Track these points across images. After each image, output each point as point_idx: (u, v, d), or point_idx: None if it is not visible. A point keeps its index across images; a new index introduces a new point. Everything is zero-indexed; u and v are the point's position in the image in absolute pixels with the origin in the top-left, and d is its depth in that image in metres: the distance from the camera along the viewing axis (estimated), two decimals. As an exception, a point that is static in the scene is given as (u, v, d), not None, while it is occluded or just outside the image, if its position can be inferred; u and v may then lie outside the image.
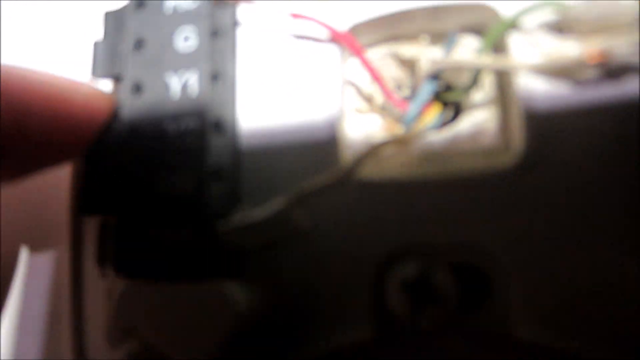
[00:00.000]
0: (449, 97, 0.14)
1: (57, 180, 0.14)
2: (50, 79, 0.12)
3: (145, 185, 0.12)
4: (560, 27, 0.12)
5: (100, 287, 0.14)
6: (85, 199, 0.13)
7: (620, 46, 0.11)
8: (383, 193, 0.12)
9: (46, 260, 0.15)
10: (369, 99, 0.16)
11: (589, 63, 0.11)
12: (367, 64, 0.13)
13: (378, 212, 0.12)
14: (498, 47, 0.13)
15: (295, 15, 0.13)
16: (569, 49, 0.12)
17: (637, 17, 0.11)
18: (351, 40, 0.13)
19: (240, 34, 0.14)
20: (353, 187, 0.13)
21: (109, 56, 0.14)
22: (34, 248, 0.15)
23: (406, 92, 0.16)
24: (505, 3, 0.13)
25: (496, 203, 0.12)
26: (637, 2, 0.11)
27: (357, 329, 0.12)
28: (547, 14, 0.12)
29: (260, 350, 0.12)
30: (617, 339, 0.11)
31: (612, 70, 0.11)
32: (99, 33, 0.14)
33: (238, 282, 0.12)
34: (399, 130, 0.16)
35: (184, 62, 0.13)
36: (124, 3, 0.14)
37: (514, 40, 0.12)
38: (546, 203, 0.11)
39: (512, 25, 0.12)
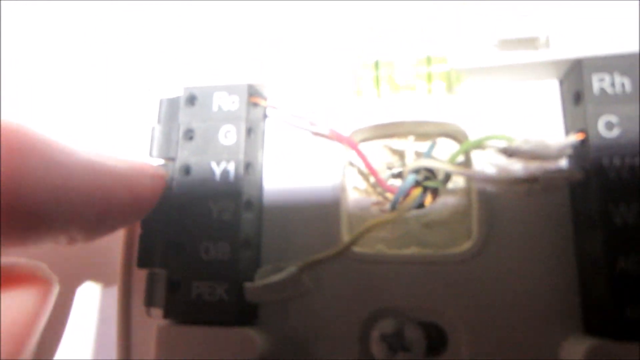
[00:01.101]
0: (428, 184, 0.18)
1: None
2: (127, 164, 0.15)
3: (192, 251, 0.16)
4: (507, 152, 0.16)
5: (146, 325, 0.17)
6: (141, 255, 0.16)
7: (545, 174, 0.15)
8: (370, 266, 0.16)
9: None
10: (366, 179, 0.20)
11: (523, 180, 0.15)
12: (364, 160, 0.17)
13: (366, 280, 0.16)
14: (465, 156, 0.18)
15: (311, 123, 0.17)
16: (515, 168, 0.16)
17: (560, 152, 0.15)
18: (352, 143, 0.17)
19: (268, 128, 0.18)
20: (348, 258, 0.16)
21: (165, 141, 0.17)
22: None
23: (396, 170, 0.21)
24: (471, 126, 0.17)
25: (454, 277, 0.16)
26: (563, 141, 0.15)
27: (347, 367, 0.16)
28: (499, 142, 0.16)
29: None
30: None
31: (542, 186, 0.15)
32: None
33: (258, 329, 0.16)
34: (387, 205, 0.20)
35: (225, 153, 0.17)
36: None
37: (476, 156, 0.17)
38: (491, 279, 0.15)
39: (476, 146, 0.16)
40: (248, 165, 0.17)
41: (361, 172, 0.20)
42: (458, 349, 0.16)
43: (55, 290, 0.17)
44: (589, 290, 0.14)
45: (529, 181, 0.15)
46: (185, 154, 0.17)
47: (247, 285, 0.16)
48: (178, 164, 0.17)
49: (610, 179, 0.14)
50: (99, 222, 0.15)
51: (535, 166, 0.16)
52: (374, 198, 0.20)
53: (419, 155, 0.19)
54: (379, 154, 0.20)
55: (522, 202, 0.16)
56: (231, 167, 0.16)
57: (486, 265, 0.16)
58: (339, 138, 0.17)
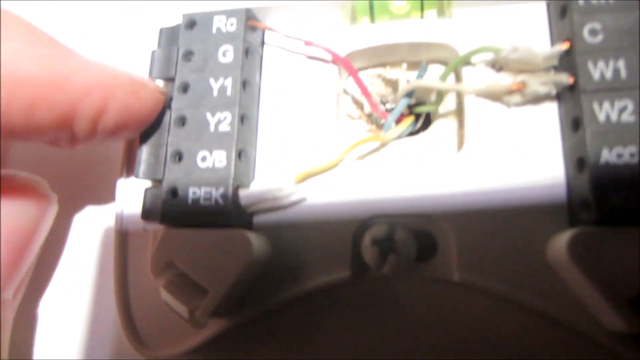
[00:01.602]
0: (420, 109, 0.19)
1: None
2: (131, 76, 0.16)
3: (190, 160, 0.16)
4: (497, 65, 0.17)
5: (142, 239, 0.18)
6: (139, 165, 0.17)
7: (534, 80, 0.15)
8: (362, 176, 0.17)
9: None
10: (360, 108, 0.20)
11: (512, 89, 0.16)
12: (359, 82, 0.18)
13: (358, 189, 0.17)
14: (457, 74, 0.18)
15: (307, 43, 0.18)
16: (503, 80, 0.16)
17: (548, 60, 0.15)
18: (348, 63, 0.18)
19: (266, 52, 0.19)
20: (342, 172, 0.17)
21: (164, 63, 0.18)
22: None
23: (389, 105, 0.21)
24: (460, 44, 0.17)
25: (443, 182, 0.16)
26: (550, 49, 0.15)
27: (338, 272, 0.16)
28: (487, 55, 0.16)
29: (266, 284, 0.16)
30: (525, 281, 0.15)
31: (530, 97, 0.16)
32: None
33: (253, 232, 0.16)
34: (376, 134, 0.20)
35: (223, 70, 0.17)
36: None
37: (466, 72, 0.17)
38: (480, 183, 0.16)
39: (465, 61, 0.17)
40: (245, 82, 0.17)
41: (355, 101, 0.20)
42: (448, 254, 0.16)
43: (54, 207, 0.18)
44: (576, 186, 0.15)
45: (518, 90, 0.16)
46: (184, 73, 0.17)
47: (242, 191, 0.16)
48: (177, 82, 0.17)
49: (595, 81, 0.15)
50: (99, 122, 0.15)
51: (523, 77, 0.16)
52: (368, 126, 0.20)
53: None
54: (372, 86, 0.20)
55: (511, 113, 0.16)
56: (228, 83, 0.17)
57: (474, 169, 0.16)
58: (335, 57, 0.18)
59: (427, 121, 0.20)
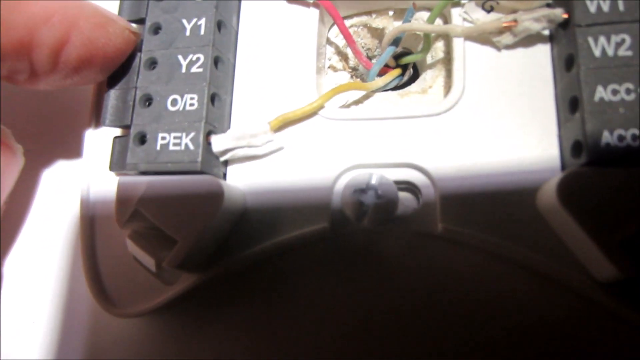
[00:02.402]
0: (406, 59, 0.18)
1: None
2: (99, 9, 0.15)
3: (159, 103, 0.15)
4: (487, 4, 0.16)
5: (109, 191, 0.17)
6: (106, 112, 0.16)
7: (526, 16, 0.14)
8: (343, 124, 0.16)
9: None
10: (344, 59, 0.19)
11: (503, 26, 0.14)
12: (342, 28, 0.17)
13: (338, 138, 0.16)
14: (446, 20, 0.17)
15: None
16: (493, 20, 0.15)
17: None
18: (331, 7, 0.17)
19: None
20: (322, 120, 0.16)
21: (134, 3, 0.17)
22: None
23: (375, 60, 0.20)
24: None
25: (430, 131, 0.15)
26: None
27: (316, 224, 0.15)
28: (478, -7, 0.15)
29: (239, 238, 0.15)
30: (513, 232, 0.14)
31: (521, 36, 0.15)
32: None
33: (226, 180, 0.15)
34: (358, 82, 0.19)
35: (196, 10, 0.16)
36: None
37: (455, 14, 0.16)
38: (468, 131, 0.15)
39: (453, 1, 0.16)
40: (220, 23, 0.16)
41: (339, 51, 0.19)
42: (431, 206, 0.15)
43: (20, 160, 0.16)
44: (568, 129, 0.14)
45: (509, 28, 0.15)
46: (156, 13, 0.16)
47: (215, 136, 0.15)
48: (148, 23, 0.16)
49: (591, 14, 0.14)
50: (60, 53, 0.14)
51: (514, 15, 0.15)
52: (351, 78, 0.19)
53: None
54: (357, 38, 0.19)
55: (502, 56, 0.15)
56: (202, 23, 0.16)
57: (461, 118, 0.15)
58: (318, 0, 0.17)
59: (415, 75, 0.19)
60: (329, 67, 0.19)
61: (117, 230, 0.16)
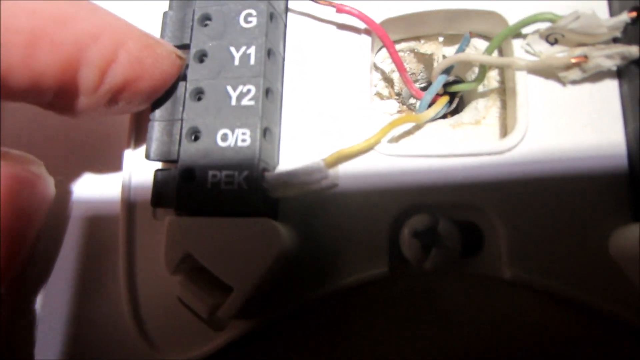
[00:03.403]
0: (457, 88, 0.17)
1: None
2: (145, 31, 0.14)
3: (209, 138, 0.14)
4: (552, 37, 0.15)
5: (152, 228, 0.16)
6: (150, 146, 0.15)
7: (597, 52, 0.14)
8: (400, 160, 0.15)
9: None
10: (390, 85, 0.18)
11: (572, 62, 0.14)
12: (395, 55, 0.16)
13: (396, 175, 0.15)
14: (502, 49, 0.16)
15: (339, 9, 0.16)
16: (559, 54, 0.15)
17: (612, 29, 0.14)
18: (384, 33, 0.16)
19: (291, 19, 0.17)
20: (378, 156, 0.15)
21: (178, 27, 0.16)
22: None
23: (418, 84, 0.19)
24: (510, 12, 0.15)
25: (491, 170, 0.14)
26: (614, 18, 0.14)
27: (375, 268, 0.14)
28: (542, 25, 0.15)
29: (292, 281, 0.15)
30: (584, 278, 0.13)
31: (590, 73, 0.14)
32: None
33: (281, 222, 0.14)
34: (411, 114, 0.18)
35: (245, 37, 0.15)
36: None
37: (515, 45, 0.15)
38: (532, 172, 0.14)
39: (516, 31, 0.15)
40: (269, 51, 0.15)
41: (385, 78, 0.18)
42: (495, 248, 0.14)
43: (51, 191, 0.16)
44: (642, 175, 0.13)
45: (579, 64, 0.14)
46: (201, 39, 0.15)
47: (268, 174, 0.14)
48: (193, 49, 0.15)
49: (668, 55, 0.13)
50: (107, 73, 0.13)
51: (582, 50, 0.14)
52: (398, 106, 0.18)
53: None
54: (404, 63, 0.18)
55: (567, 91, 0.15)
56: (251, 51, 0.15)
57: (526, 157, 0.14)
58: (370, 26, 0.16)
59: (461, 102, 0.19)
60: (375, 94, 0.18)
61: (160, 269, 0.15)
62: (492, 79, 0.17)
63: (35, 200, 0.15)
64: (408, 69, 0.18)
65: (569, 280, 0.13)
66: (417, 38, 0.18)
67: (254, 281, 0.13)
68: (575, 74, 0.14)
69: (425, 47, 0.18)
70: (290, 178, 0.14)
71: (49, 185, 0.16)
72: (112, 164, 0.17)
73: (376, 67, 0.18)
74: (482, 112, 0.17)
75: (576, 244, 0.14)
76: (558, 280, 0.13)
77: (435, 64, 0.18)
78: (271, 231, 0.14)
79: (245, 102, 0.15)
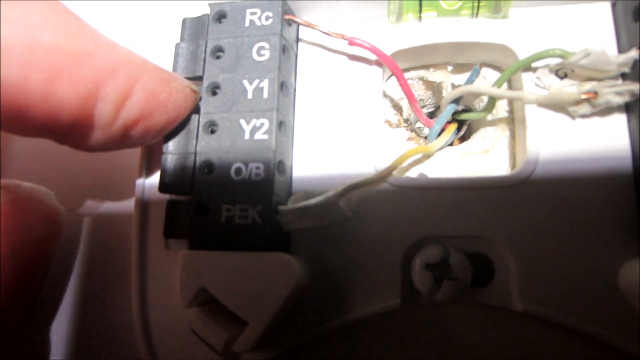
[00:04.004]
0: (466, 116, 0.17)
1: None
2: (160, 67, 0.14)
3: (222, 172, 0.14)
4: (561, 71, 0.15)
5: (164, 258, 0.16)
6: (164, 178, 0.15)
7: (606, 89, 0.14)
8: (411, 192, 0.15)
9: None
10: (399, 113, 0.18)
11: (582, 98, 0.14)
12: (406, 87, 0.16)
13: (407, 207, 0.15)
14: (510, 81, 0.17)
15: (351, 42, 0.16)
16: (568, 88, 0.15)
17: (622, 66, 0.14)
18: (394, 64, 0.16)
19: (301, 49, 0.17)
20: (388, 184, 0.15)
21: (190, 59, 0.16)
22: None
23: (426, 110, 0.20)
24: (519, 45, 0.16)
25: (502, 203, 0.15)
26: (623, 55, 0.14)
27: (387, 299, 0.15)
28: (553, 60, 0.15)
29: (304, 313, 0.15)
30: (595, 312, 0.14)
31: (600, 108, 0.14)
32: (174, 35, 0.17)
33: (293, 254, 0.14)
34: (420, 142, 0.19)
35: (258, 70, 0.15)
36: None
37: (524, 78, 0.16)
38: (542, 204, 0.14)
39: (526, 65, 0.15)
40: (282, 84, 0.15)
41: (395, 105, 0.18)
42: (506, 280, 0.15)
43: (62, 222, 0.16)
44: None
45: (588, 99, 0.14)
46: (214, 72, 0.16)
47: (282, 208, 0.14)
48: (205, 82, 0.16)
49: (676, 93, 0.13)
50: (123, 107, 0.13)
51: (590, 85, 0.15)
52: (408, 133, 0.19)
53: (456, 87, 0.18)
54: (412, 90, 0.19)
55: (576, 125, 0.15)
56: (264, 85, 0.15)
57: (537, 189, 0.15)
58: (381, 57, 0.16)
59: (470, 130, 0.19)
60: (384, 122, 0.18)
61: (172, 300, 0.15)
62: (501, 108, 0.17)
63: (46, 231, 0.15)
64: (416, 96, 0.19)
65: (579, 313, 0.14)
66: (426, 67, 0.18)
67: (269, 316, 0.13)
68: (584, 108, 0.15)
69: (434, 76, 0.18)
70: (304, 212, 0.15)
71: (60, 216, 0.16)
72: (124, 193, 0.17)
73: (385, 95, 0.18)
74: (491, 141, 0.17)
75: (587, 276, 0.14)
76: (568, 313, 0.14)
77: (444, 92, 0.18)
78: (286, 266, 0.14)
79: (258, 135, 0.15)
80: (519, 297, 0.14)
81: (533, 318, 0.14)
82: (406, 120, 0.19)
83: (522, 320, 0.14)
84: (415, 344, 0.15)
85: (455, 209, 0.15)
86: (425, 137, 0.19)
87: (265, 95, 0.15)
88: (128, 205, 0.17)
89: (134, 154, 0.16)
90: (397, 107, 0.18)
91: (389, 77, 0.18)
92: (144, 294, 0.16)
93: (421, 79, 0.18)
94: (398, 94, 0.18)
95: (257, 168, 0.14)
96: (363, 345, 0.15)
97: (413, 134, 0.19)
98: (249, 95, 0.15)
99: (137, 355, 0.15)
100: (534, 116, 0.15)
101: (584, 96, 0.14)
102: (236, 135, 0.15)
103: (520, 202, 0.15)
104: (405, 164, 0.17)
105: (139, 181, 0.16)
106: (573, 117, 0.15)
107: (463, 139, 0.18)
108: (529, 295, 0.14)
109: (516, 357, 0.14)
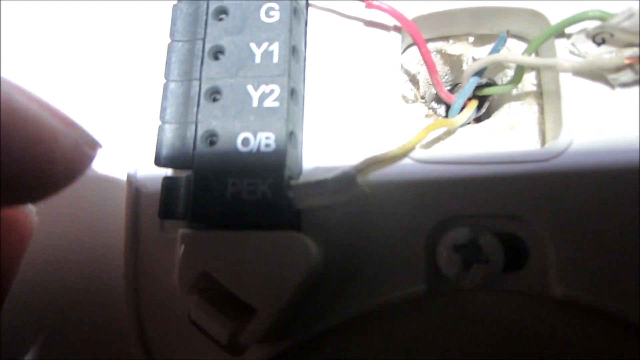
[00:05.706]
0: (490, 91, 0.16)
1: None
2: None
3: (227, 143, 0.13)
4: (599, 36, 0.14)
5: (159, 242, 0.14)
6: (160, 151, 0.13)
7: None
8: (437, 167, 0.14)
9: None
10: (417, 87, 0.17)
11: (624, 63, 0.13)
12: (427, 55, 0.15)
13: (432, 184, 0.14)
14: (538, 50, 0.15)
15: (369, 5, 0.14)
16: (607, 54, 0.14)
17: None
18: (416, 31, 0.15)
19: (312, 15, 0.15)
20: (410, 162, 0.14)
21: (190, 21, 0.14)
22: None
23: (445, 86, 0.18)
24: (551, 10, 0.14)
25: (535, 179, 0.13)
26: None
27: (410, 285, 0.13)
28: (589, 24, 0.14)
29: (318, 301, 0.13)
30: (629, 293, 0.12)
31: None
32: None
33: (308, 235, 0.13)
34: (444, 119, 0.17)
35: (266, 32, 0.14)
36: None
37: (558, 45, 0.14)
38: (580, 179, 0.13)
39: (560, 30, 0.14)
40: (294, 49, 0.14)
41: (412, 79, 0.17)
42: (541, 263, 0.13)
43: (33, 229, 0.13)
44: None
45: (630, 65, 0.13)
46: (217, 34, 0.14)
47: (295, 182, 0.13)
48: (207, 45, 0.14)
49: None
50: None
51: (632, 51, 0.13)
52: (426, 110, 0.17)
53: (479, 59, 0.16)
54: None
55: (614, 95, 0.14)
56: (274, 48, 0.14)
57: (574, 164, 0.13)
58: (402, 23, 0.14)
59: (491, 105, 0.17)
60: (401, 97, 0.17)
61: (169, 286, 0.14)
62: (527, 81, 0.16)
63: (17, 241, 0.13)
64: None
65: (623, 299, 0.12)
66: (445, 38, 0.17)
67: (281, 302, 0.12)
68: (626, 75, 0.13)
69: (454, 48, 0.17)
70: (319, 187, 0.13)
71: (32, 224, 0.14)
72: (115, 170, 0.15)
73: (402, 68, 0.17)
74: (517, 116, 0.16)
75: (633, 259, 0.13)
76: (611, 298, 0.12)
77: (464, 66, 0.17)
78: (301, 246, 0.12)
79: (268, 103, 0.13)
80: (558, 281, 0.13)
81: (572, 305, 0.13)
82: (422, 97, 0.18)
83: (560, 307, 0.13)
84: (442, 337, 0.13)
85: (484, 186, 0.13)
86: (443, 117, 0.18)
87: (275, 59, 0.14)
88: (120, 183, 0.15)
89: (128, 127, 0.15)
90: (414, 81, 0.17)
91: (405, 49, 0.17)
92: (137, 280, 0.14)
93: (439, 52, 0.17)
94: (415, 68, 0.17)
95: (267, 138, 0.13)
96: (382, 338, 0.14)
97: (430, 111, 0.17)
98: (257, 60, 0.14)
99: (129, 348, 0.14)
100: (569, 86, 0.14)
101: (626, 61, 0.13)
102: (243, 103, 0.13)
103: (556, 177, 0.13)
104: (425, 140, 0.16)
105: (132, 155, 0.15)
106: (612, 86, 0.14)
107: (479, 120, 0.17)
108: (568, 279, 0.13)
109: (551, 348, 0.13)
